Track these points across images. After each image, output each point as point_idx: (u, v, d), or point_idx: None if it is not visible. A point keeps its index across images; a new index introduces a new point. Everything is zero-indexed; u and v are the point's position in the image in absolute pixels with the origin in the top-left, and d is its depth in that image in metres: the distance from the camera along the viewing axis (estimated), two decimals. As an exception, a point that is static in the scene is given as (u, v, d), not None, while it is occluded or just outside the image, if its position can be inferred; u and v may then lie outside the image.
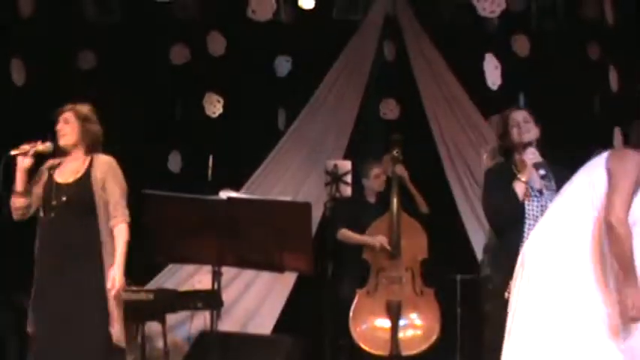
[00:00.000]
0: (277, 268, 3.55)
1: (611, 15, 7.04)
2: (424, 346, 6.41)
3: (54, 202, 4.72)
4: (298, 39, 7.56)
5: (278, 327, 7.43)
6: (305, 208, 3.18)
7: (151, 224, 3.41)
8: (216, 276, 3.45)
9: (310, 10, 7.48)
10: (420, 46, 7.72)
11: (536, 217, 4.47)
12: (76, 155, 4.91)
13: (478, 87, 7.06)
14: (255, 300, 7.47)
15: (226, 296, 6.44)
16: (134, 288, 6.15)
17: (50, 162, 4.93)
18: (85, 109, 5.03)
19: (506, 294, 4.09)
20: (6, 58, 7.18)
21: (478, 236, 7.17)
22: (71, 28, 7.49)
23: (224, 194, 3.19)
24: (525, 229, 4.48)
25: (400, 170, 6.58)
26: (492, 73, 6.82)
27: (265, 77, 7.63)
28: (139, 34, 7.50)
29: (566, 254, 3.75)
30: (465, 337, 6.60)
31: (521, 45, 7.29)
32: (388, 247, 6.39)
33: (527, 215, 4.54)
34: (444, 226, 7.07)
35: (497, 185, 4.69)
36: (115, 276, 4.61)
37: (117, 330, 4.67)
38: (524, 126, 4.71)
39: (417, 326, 6.44)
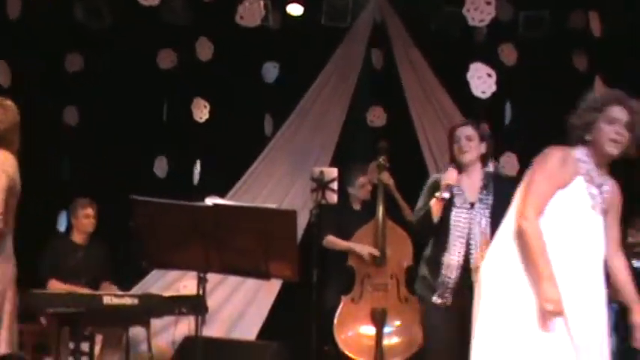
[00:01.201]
0: (263, 275, 3.54)
1: (598, 26, 7.09)
2: (408, 354, 6.39)
3: None
4: (286, 45, 7.58)
5: (263, 333, 7.44)
6: (291, 215, 3.18)
7: (138, 230, 3.41)
8: (202, 281, 3.46)
9: (298, 17, 7.50)
10: (408, 54, 7.74)
11: (464, 229, 4.66)
12: None
13: (465, 95, 7.08)
14: (240, 305, 7.47)
15: (211, 302, 6.45)
16: (119, 292, 6.14)
17: None
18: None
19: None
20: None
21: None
22: (59, 31, 7.49)
23: (210, 201, 3.19)
24: (450, 241, 4.68)
25: (386, 178, 6.58)
26: (478, 82, 6.85)
27: (252, 83, 7.64)
28: (126, 37, 7.50)
29: (509, 265, 3.77)
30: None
31: (508, 54, 7.33)
32: (377, 254, 6.39)
33: (452, 228, 4.68)
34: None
35: (423, 200, 4.93)
36: None
37: (4, 337, 4.62)
38: (466, 144, 4.74)
39: (402, 333, 6.43)
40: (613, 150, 3.75)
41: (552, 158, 3.78)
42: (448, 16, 7.39)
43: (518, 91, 7.42)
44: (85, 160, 7.62)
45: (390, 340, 6.42)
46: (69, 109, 7.75)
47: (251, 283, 7.13)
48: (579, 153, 3.79)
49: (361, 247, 6.40)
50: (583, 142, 3.80)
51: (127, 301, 5.92)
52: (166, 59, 7.56)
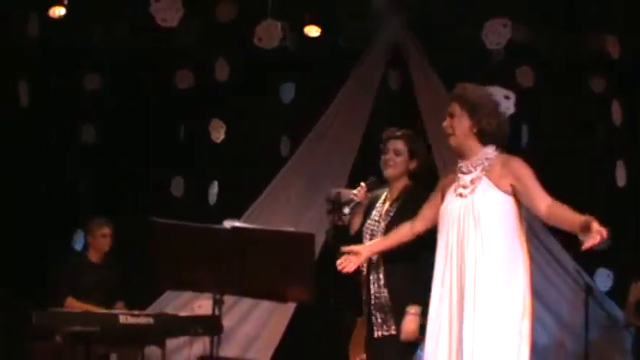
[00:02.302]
0: (279, 298, 3.54)
1: (615, 48, 7.08)
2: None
3: None
4: (303, 66, 7.60)
5: (277, 354, 7.42)
6: (308, 239, 3.17)
7: (155, 251, 3.40)
8: (218, 303, 3.46)
9: (316, 38, 7.52)
10: (425, 76, 7.74)
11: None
12: None
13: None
14: (255, 326, 7.46)
15: (226, 322, 6.41)
16: (134, 312, 6.15)
17: None
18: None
19: None
20: (13, 79, 7.23)
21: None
22: (77, 51, 7.54)
23: (228, 224, 3.18)
24: None
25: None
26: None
27: (270, 104, 7.65)
28: (144, 58, 7.54)
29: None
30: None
31: (524, 76, 7.32)
32: None
33: (364, 239, 4.55)
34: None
35: None
36: None
37: None
38: (391, 158, 4.63)
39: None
40: (449, 143, 3.97)
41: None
42: (465, 38, 7.39)
43: (534, 114, 7.41)
44: (102, 180, 7.65)
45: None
46: (87, 128, 7.79)
47: (266, 303, 7.11)
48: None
49: None
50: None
51: (143, 320, 5.91)
52: (184, 80, 7.59)
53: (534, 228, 7.59)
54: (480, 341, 3.77)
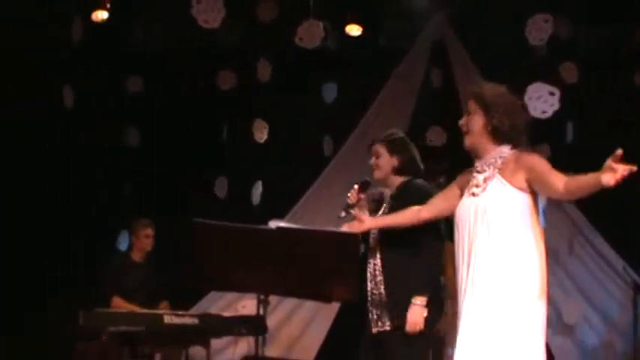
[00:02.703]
0: (323, 298, 3.53)
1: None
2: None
3: None
4: (345, 66, 7.58)
5: (322, 353, 7.41)
6: (353, 239, 3.15)
7: (200, 252, 3.41)
8: (263, 303, 3.45)
9: (358, 37, 7.50)
10: (467, 73, 7.69)
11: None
12: None
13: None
14: (299, 326, 7.46)
15: (270, 322, 6.44)
16: (179, 312, 6.18)
17: None
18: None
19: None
20: (57, 83, 7.30)
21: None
22: (120, 54, 7.60)
23: (273, 224, 3.17)
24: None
25: None
26: (538, 103, 6.78)
27: (312, 104, 7.65)
28: (187, 59, 7.58)
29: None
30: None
31: (568, 72, 7.23)
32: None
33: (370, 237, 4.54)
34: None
35: None
36: None
37: None
38: (374, 162, 4.72)
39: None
40: (465, 142, 3.90)
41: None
42: (507, 34, 7.32)
43: (579, 110, 7.32)
44: (146, 181, 7.70)
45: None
46: (130, 130, 7.84)
47: (310, 303, 7.11)
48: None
49: None
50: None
51: (187, 320, 5.96)
52: (226, 81, 7.61)
53: (580, 226, 7.52)
54: (489, 343, 3.68)
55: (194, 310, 6.96)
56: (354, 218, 4.23)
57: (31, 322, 7.21)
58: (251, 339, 6.68)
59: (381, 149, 4.69)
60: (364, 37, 7.52)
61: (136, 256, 6.96)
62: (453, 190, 4.06)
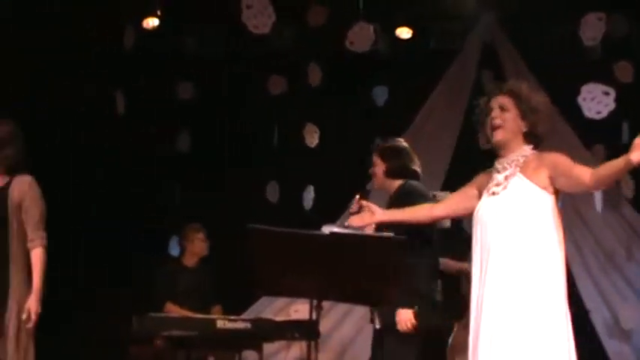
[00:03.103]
0: (377, 303, 3.52)
1: None
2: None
3: None
4: (396, 69, 7.55)
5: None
6: (401, 242, 3.13)
7: (254, 257, 3.41)
8: (316, 309, 3.46)
9: (408, 40, 7.46)
10: (519, 75, 7.59)
11: None
12: None
13: (579, 116, 6.91)
14: (352, 331, 7.43)
15: (322, 326, 6.40)
16: (232, 317, 6.20)
17: None
18: (3, 132, 4.86)
19: None
20: (110, 89, 7.38)
21: (579, 267, 7.02)
22: (171, 60, 7.65)
23: (326, 229, 3.17)
24: None
25: None
26: (592, 104, 6.68)
27: (363, 107, 7.63)
28: (237, 64, 7.61)
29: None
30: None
31: (623, 72, 7.11)
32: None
33: None
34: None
35: None
36: (31, 308, 4.62)
37: (11, 352, 4.63)
38: (371, 171, 5.00)
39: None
40: (496, 135, 3.85)
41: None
42: (559, 34, 7.23)
43: (635, 110, 7.19)
44: (197, 186, 7.73)
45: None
46: (182, 135, 7.89)
47: (362, 308, 7.07)
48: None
49: (451, 262, 6.30)
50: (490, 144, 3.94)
51: (240, 325, 5.97)
52: (277, 85, 7.62)
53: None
54: (517, 349, 3.64)
55: (246, 315, 6.96)
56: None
57: (83, 323, 7.29)
58: (303, 344, 6.67)
59: (375, 158, 4.99)
60: (414, 40, 7.48)
61: (188, 261, 7.00)
62: (471, 190, 4.03)
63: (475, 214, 3.89)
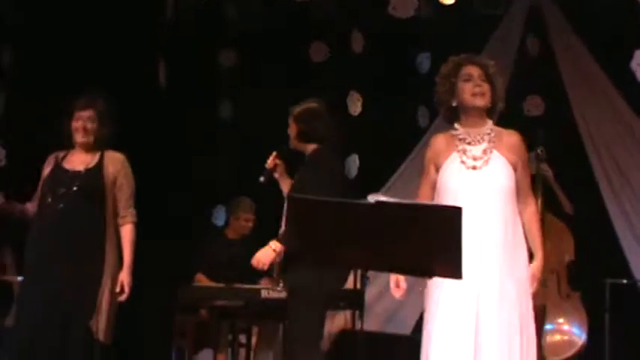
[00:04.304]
0: (425, 273, 3.48)
1: None
2: (570, 353, 6.19)
3: (62, 190, 4.77)
4: (439, 35, 7.43)
5: (418, 327, 7.33)
6: (456, 212, 3.08)
7: (296, 228, 3.40)
8: (363, 280, 3.43)
9: (451, 6, 7.33)
10: (566, 41, 7.46)
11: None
12: (85, 148, 4.95)
13: (630, 82, 6.75)
14: (396, 300, 7.37)
15: (366, 295, 6.40)
16: (276, 287, 6.19)
17: (56, 153, 5.01)
18: (101, 108, 5.00)
19: None
20: (153, 59, 7.36)
21: (628, 238, 6.89)
22: (213, 29, 7.61)
23: (372, 198, 3.13)
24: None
25: (544, 168, 6.36)
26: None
27: (406, 74, 7.53)
28: (278, 32, 7.55)
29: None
30: (614, 345, 6.32)
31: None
32: None
33: None
34: (591, 227, 6.82)
35: None
36: (124, 281, 4.70)
37: (102, 327, 4.69)
38: (289, 134, 5.23)
39: (563, 331, 6.23)
40: (478, 102, 3.94)
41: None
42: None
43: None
44: (239, 155, 7.71)
45: (551, 339, 6.22)
46: (224, 104, 7.87)
47: (408, 277, 7.03)
48: (453, 128, 4.03)
49: None
50: (452, 110, 4.02)
51: (284, 295, 5.95)
52: (319, 53, 7.55)
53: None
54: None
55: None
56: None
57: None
58: (348, 313, 6.66)
59: (290, 120, 5.16)
60: (458, 5, 7.35)
61: (231, 234, 6.99)
62: (431, 171, 4.09)
63: (451, 186, 3.93)
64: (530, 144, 6.64)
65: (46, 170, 5.00)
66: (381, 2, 6.98)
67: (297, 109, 5.24)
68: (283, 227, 4.93)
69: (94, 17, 7.17)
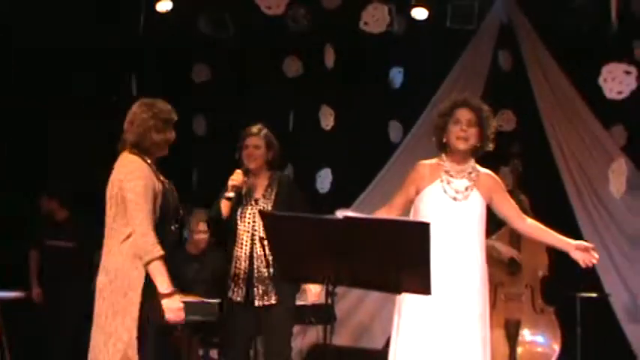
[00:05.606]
0: (394, 289, 3.48)
1: None
2: (543, 366, 6.20)
3: None
4: (411, 50, 7.46)
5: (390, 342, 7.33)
6: (424, 228, 3.08)
7: (267, 243, 3.40)
8: (330, 295, 3.42)
9: (424, 21, 7.36)
10: (537, 55, 7.51)
11: (249, 223, 4.99)
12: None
13: (598, 95, 6.80)
14: (367, 315, 7.40)
15: (338, 310, 6.39)
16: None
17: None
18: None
19: None
20: (125, 73, 7.35)
21: (600, 253, 6.90)
22: (185, 42, 7.59)
23: (340, 213, 3.13)
24: (238, 234, 5.01)
25: (523, 199, 6.35)
26: (613, 84, 6.57)
27: (378, 89, 7.55)
28: (252, 46, 7.54)
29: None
30: (586, 358, 6.34)
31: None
32: (519, 257, 6.22)
33: (238, 222, 5.02)
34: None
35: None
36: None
37: None
38: (252, 152, 5.08)
39: (537, 345, 6.23)
40: (461, 145, 4.23)
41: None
42: (577, 14, 7.11)
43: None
44: (212, 170, 7.67)
45: (525, 352, 6.23)
46: (197, 119, 7.84)
47: (378, 293, 7.04)
48: (440, 159, 4.33)
49: (505, 247, 6.23)
50: (442, 145, 4.32)
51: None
52: (292, 67, 7.55)
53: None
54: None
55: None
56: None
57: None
58: (319, 328, 6.63)
59: (260, 142, 5.06)
60: (430, 20, 7.38)
61: (192, 249, 6.78)
62: (410, 188, 4.35)
63: (435, 212, 4.18)
64: (502, 159, 6.74)
65: None
66: (353, 18, 6.99)
67: (269, 134, 5.17)
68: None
69: (66, 30, 7.14)
